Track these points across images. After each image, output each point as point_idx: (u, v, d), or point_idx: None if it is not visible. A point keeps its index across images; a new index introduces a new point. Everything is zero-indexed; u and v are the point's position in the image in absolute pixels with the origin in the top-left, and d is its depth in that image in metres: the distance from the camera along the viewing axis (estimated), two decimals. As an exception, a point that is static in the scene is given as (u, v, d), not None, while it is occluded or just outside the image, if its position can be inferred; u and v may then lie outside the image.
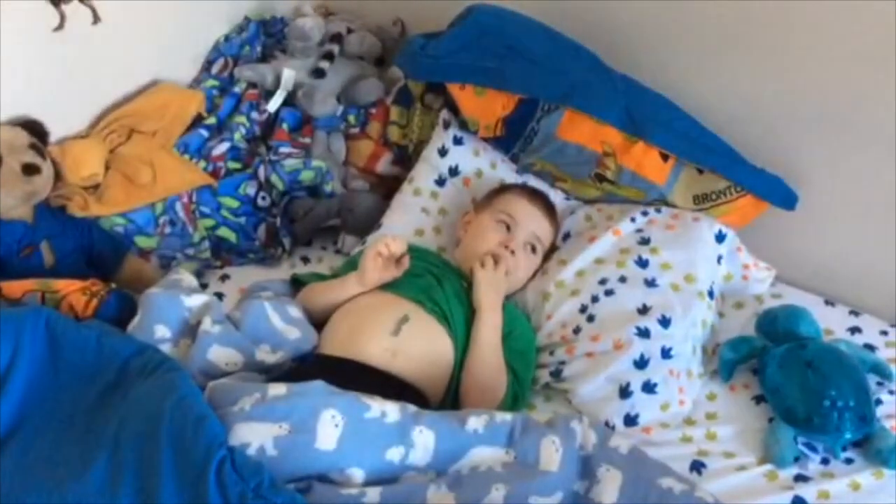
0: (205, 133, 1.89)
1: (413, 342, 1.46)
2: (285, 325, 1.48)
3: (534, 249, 1.70)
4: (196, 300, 1.45)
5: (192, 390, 1.14)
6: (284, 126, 1.95)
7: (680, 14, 1.79)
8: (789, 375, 1.50)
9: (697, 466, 1.44)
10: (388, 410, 1.24)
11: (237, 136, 1.90)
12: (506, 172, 1.86)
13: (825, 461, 1.45)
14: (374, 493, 1.16)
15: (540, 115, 1.75)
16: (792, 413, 1.47)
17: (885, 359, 1.60)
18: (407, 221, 1.82)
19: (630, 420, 1.48)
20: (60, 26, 1.70)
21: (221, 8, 2.10)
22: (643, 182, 1.76)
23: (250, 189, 1.83)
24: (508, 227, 1.68)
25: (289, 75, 1.96)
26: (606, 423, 1.47)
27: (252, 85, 1.99)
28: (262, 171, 1.85)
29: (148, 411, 1.09)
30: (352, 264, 1.69)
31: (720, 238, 1.73)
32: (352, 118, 2.00)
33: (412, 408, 1.29)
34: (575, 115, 1.73)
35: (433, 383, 1.48)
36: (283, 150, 1.90)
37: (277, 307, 1.50)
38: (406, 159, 1.98)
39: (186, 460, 1.03)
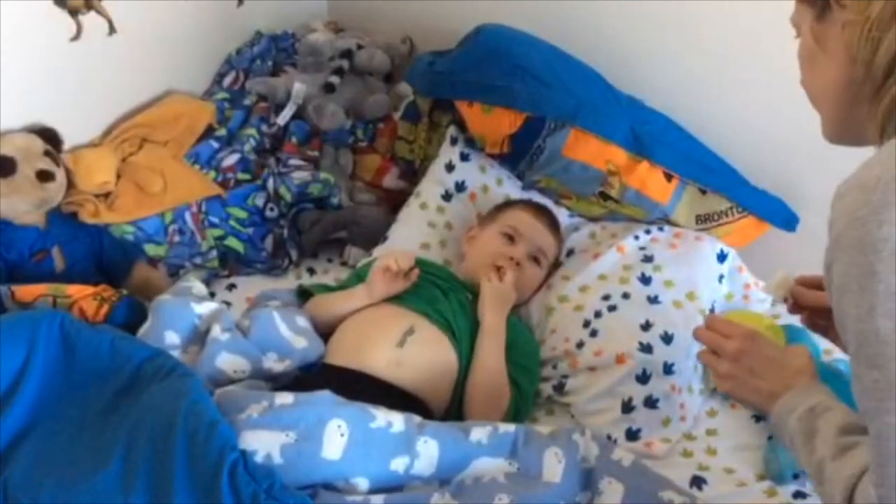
0: (215, 144, 1.91)
1: (418, 353, 1.48)
2: (293, 335, 1.50)
3: (538, 262, 1.72)
4: (206, 307, 1.46)
5: (204, 395, 1.16)
6: (293, 139, 1.98)
7: (685, 37, 1.83)
8: (789, 394, 1.52)
9: (698, 481, 1.45)
10: (394, 420, 1.26)
11: (247, 147, 1.92)
12: (512, 189, 1.89)
13: (823, 479, 1.47)
14: (378, 500, 1.18)
15: (546, 133, 1.78)
16: (791, 431, 1.48)
17: (883, 380, 1.62)
18: (413, 235, 1.84)
19: (632, 434, 1.50)
20: (77, 37, 1.73)
21: (234, 22, 2.13)
22: (647, 201, 1.79)
23: (259, 200, 1.86)
24: (513, 240, 1.71)
25: (299, 89, 1.99)
26: (608, 437, 1.49)
27: (262, 98, 2.02)
28: (270, 183, 1.87)
29: (161, 414, 1.11)
30: (358, 276, 1.71)
31: (722, 257, 1.75)
32: (360, 133, 2.03)
33: (417, 418, 1.30)
34: (580, 134, 1.76)
35: (437, 394, 1.49)
36: (292, 162, 1.93)
37: (285, 316, 1.52)
38: (413, 174, 2.01)
39: (200, 462, 1.05)
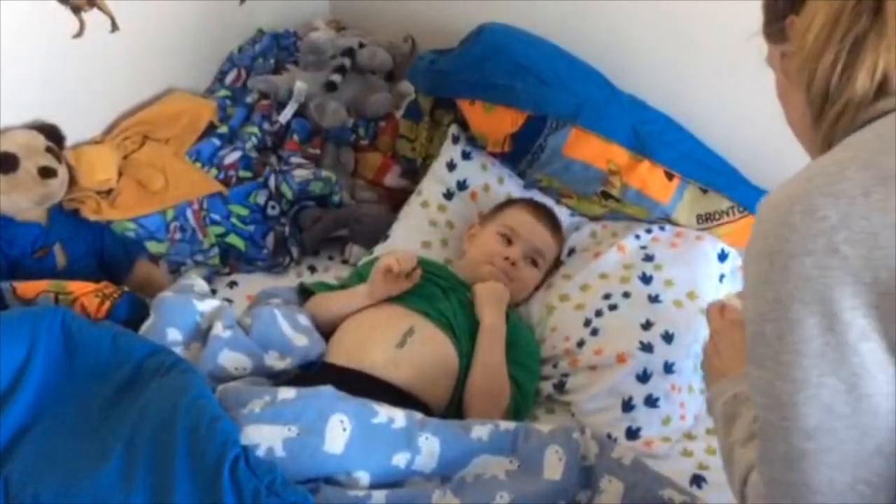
0: (217, 142, 1.92)
1: (418, 353, 1.48)
2: (294, 333, 1.50)
3: (535, 263, 1.72)
4: (208, 305, 1.47)
5: (206, 391, 1.16)
6: (295, 137, 1.98)
7: (688, 37, 1.82)
8: (788, 393, 1.52)
9: (698, 480, 1.45)
10: (395, 417, 1.27)
11: (248, 145, 1.92)
12: (513, 187, 1.89)
13: (823, 478, 1.47)
14: (379, 495, 1.19)
15: (547, 132, 1.78)
16: (791, 430, 1.49)
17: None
18: (414, 233, 1.84)
19: (632, 433, 1.50)
20: (80, 33, 1.74)
21: (236, 20, 2.13)
22: (648, 200, 1.79)
23: (260, 198, 1.86)
24: (510, 241, 1.71)
25: (301, 87, 1.99)
26: (609, 436, 1.49)
27: (264, 96, 2.02)
28: (272, 181, 1.87)
29: (163, 410, 1.11)
30: (359, 275, 1.71)
31: (722, 257, 1.75)
32: (361, 131, 2.03)
33: (418, 415, 1.31)
34: (582, 134, 1.76)
35: (437, 393, 1.49)
36: (294, 160, 1.93)
37: (287, 314, 1.52)
38: (414, 173, 2.01)
39: (201, 458, 1.05)
